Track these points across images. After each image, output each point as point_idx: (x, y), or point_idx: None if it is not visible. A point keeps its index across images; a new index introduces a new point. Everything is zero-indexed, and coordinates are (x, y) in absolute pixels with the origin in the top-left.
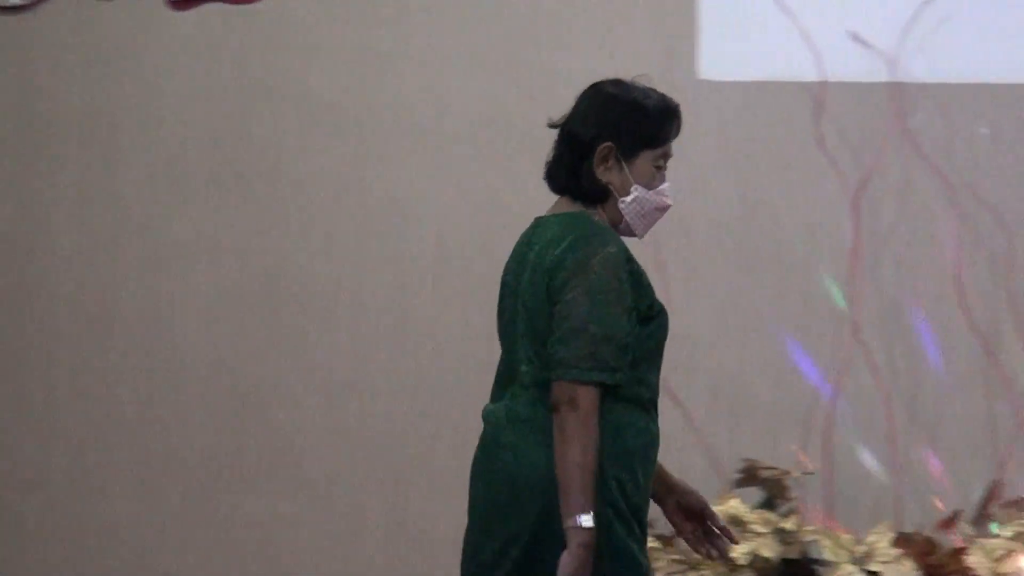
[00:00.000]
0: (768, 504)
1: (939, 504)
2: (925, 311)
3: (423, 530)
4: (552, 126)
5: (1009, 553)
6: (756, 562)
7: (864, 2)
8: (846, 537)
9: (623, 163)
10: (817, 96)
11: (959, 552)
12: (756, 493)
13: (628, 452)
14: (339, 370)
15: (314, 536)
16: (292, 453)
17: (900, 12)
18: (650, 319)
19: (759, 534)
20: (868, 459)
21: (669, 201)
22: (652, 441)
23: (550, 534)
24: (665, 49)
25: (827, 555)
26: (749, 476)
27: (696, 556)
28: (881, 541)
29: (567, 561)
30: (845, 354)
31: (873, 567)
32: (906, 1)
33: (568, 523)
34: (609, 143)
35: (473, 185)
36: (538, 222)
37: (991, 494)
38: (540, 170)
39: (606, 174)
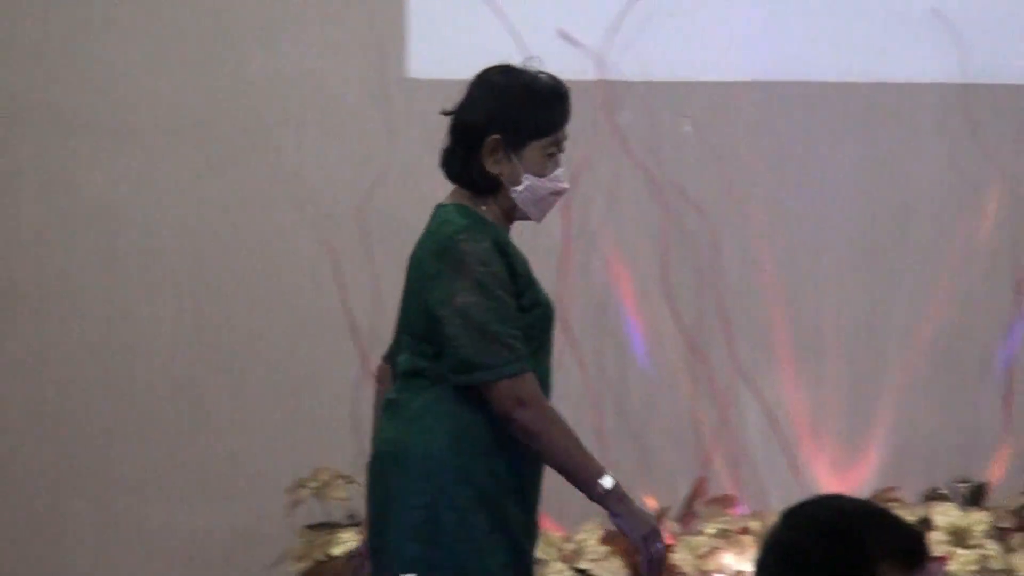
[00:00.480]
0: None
1: (648, 501)
2: (632, 308)
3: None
4: (444, 114)
5: (712, 550)
6: None
7: (572, 1)
8: (556, 535)
9: (512, 154)
10: None
11: (666, 549)
12: None
13: (483, 440)
14: (48, 369)
15: None
16: None
17: (607, 11)
18: (526, 309)
19: None
20: None
21: (564, 185)
22: None
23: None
24: (375, 48)
25: (537, 553)
26: None
27: None
28: (590, 539)
29: (623, 526)
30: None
31: (582, 564)
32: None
33: (595, 496)
34: (496, 136)
35: (183, 186)
36: (435, 209)
37: (696, 491)
38: (253, 171)
39: (495, 166)
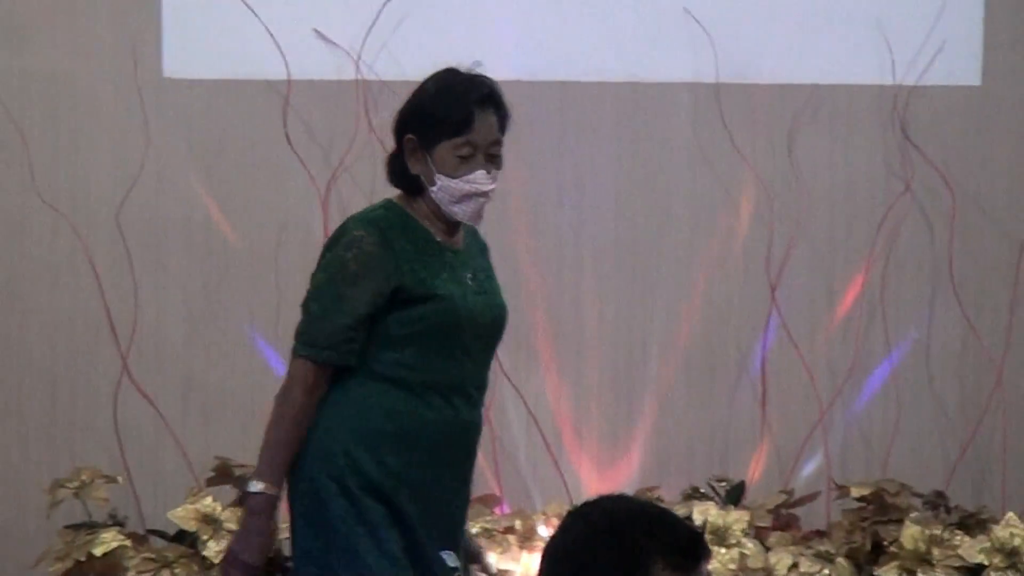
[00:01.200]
0: (242, 501)
1: None
2: None
3: None
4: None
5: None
6: None
7: (328, 1)
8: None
9: (426, 154)
10: (285, 94)
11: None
12: (230, 491)
13: (372, 431)
14: None
15: None
16: None
17: (362, 11)
18: (417, 302)
19: (232, 531)
20: None
21: (482, 188)
22: (420, 425)
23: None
24: (129, 47)
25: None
26: (222, 474)
27: (169, 554)
28: None
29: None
30: None
31: None
32: (368, 1)
33: (242, 492)
34: (411, 135)
35: None
36: None
37: None
38: (7, 172)
39: (416, 165)
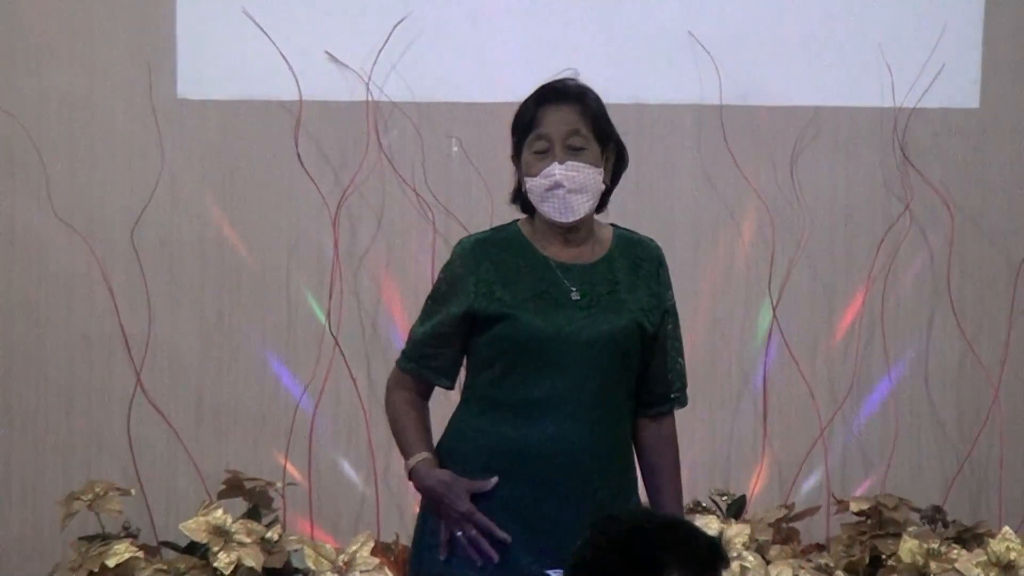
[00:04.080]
0: (252, 514)
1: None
2: (402, 324)
3: None
4: None
5: None
6: (240, 572)
7: (339, 23)
8: (328, 547)
9: (518, 163)
10: (297, 115)
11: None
12: (241, 504)
13: (457, 452)
14: None
15: None
16: None
17: (373, 33)
18: (493, 322)
19: (243, 544)
20: (349, 470)
21: (555, 179)
22: (510, 443)
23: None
24: (145, 69)
25: (310, 564)
26: (233, 487)
27: (181, 565)
28: (362, 550)
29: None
30: (326, 368)
31: (354, 575)
32: (378, 23)
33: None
34: (513, 150)
35: None
36: None
37: None
38: (25, 193)
39: (521, 179)
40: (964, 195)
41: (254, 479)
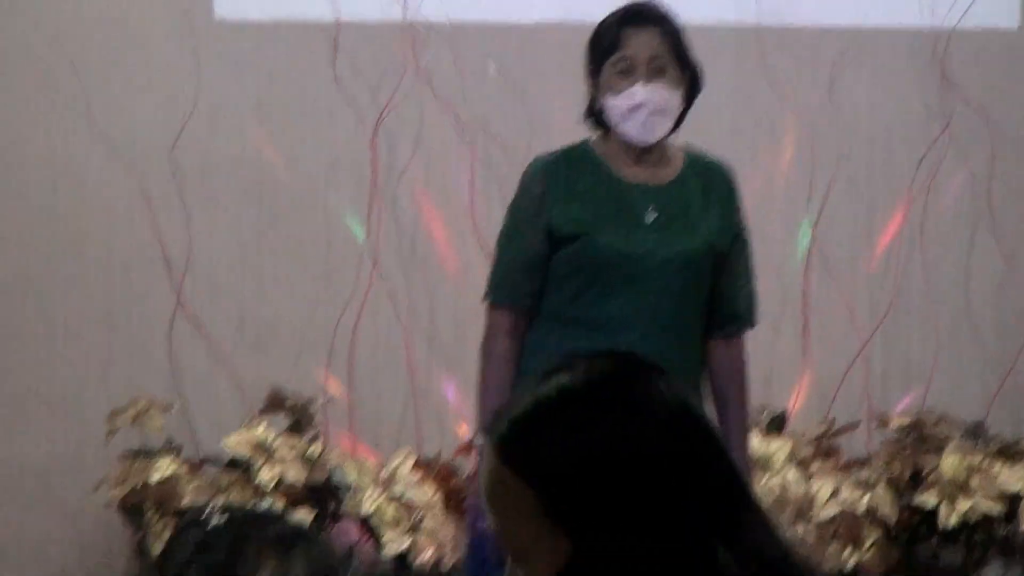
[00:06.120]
0: (294, 430)
1: (461, 431)
2: (441, 245)
3: None
4: None
5: None
6: (282, 487)
7: None
8: (370, 462)
9: (596, 82)
10: (333, 36)
11: (475, 476)
12: (282, 420)
13: (530, 371)
14: None
15: None
16: None
17: None
18: (568, 241)
19: (285, 460)
20: (390, 387)
21: (637, 99)
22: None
23: None
24: None
25: (351, 479)
26: (275, 403)
27: (223, 480)
28: (403, 466)
29: None
30: (366, 287)
31: (396, 490)
32: None
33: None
34: (590, 67)
35: None
36: None
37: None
38: (62, 114)
39: (595, 97)
40: (1004, 115)
41: (296, 395)
